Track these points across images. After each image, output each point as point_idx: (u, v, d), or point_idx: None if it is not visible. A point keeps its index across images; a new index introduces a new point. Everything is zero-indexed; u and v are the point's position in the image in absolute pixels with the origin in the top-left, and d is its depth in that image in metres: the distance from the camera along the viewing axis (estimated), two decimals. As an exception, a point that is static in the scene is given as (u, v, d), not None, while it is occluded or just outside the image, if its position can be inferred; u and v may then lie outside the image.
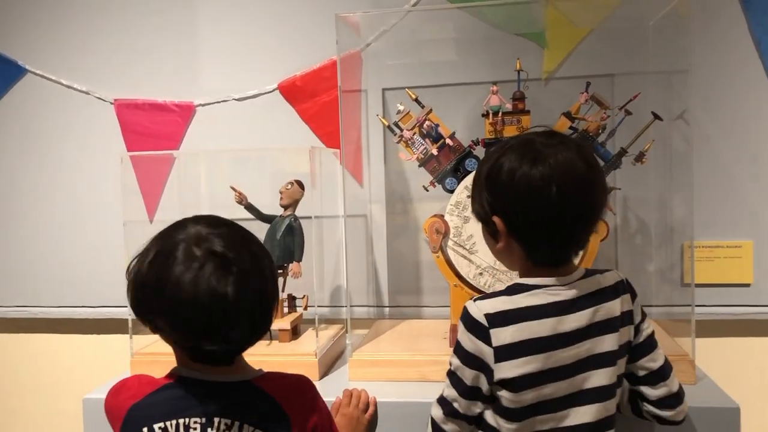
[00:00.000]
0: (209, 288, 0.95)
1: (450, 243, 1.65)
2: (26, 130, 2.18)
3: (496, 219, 1.09)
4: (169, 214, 2.10)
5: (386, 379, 1.55)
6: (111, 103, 2.12)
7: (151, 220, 2.11)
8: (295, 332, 1.77)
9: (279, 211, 1.79)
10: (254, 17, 2.04)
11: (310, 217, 1.71)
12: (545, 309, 1.07)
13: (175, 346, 1.06)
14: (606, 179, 1.14)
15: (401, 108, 1.67)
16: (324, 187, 1.95)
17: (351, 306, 1.79)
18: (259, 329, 1.05)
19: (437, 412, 1.15)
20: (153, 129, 2.10)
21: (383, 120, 1.74)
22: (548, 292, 1.09)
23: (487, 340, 1.06)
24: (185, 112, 2.09)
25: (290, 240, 1.73)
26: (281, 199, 1.78)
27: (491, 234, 1.14)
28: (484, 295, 1.12)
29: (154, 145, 2.09)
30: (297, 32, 2.03)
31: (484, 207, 1.11)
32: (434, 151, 1.64)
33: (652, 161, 1.62)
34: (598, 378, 1.09)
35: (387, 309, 2.03)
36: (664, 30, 1.77)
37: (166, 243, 1.02)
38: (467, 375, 1.09)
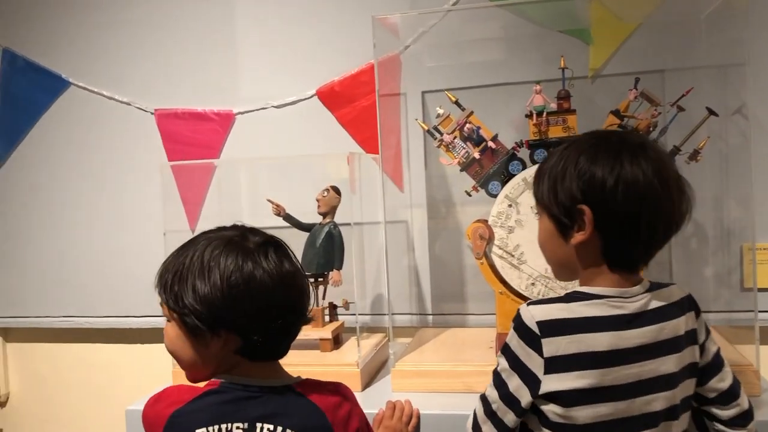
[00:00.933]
0: (282, 270, 1.02)
1: (495, 250, 1.59)
2: (70, 141, 2.21)
3: (584, 208, 1.00)
4: (210, 223, 2.08)
5: (430, 390, 1.50)
6: (152, 114, 2.13)
7: (192, 229, 2.10)
8: (336, 341, 1.74)
9: (319, 219, 1.76)
10: (291, 24, 2.03)
11: (349, 224, 1.67)
12: (605, 321, 0.99)
13: (231, 351, 1.03)
14: None
15: (441, 111, 1.62)
16: (363, 192, 1.91)
17: (393, 314, 1.75)
18: (304, 317, 1.08)
19: (479, 409, 1.09)
20: (193, 138, 2.10)
21: (422, 124, 1.70)
22: (610, 303, 1.01)
23: (538, 350, 0.99)
24: (225, 121, 2.08)
25: (330, 248, 1.70)
26: (318, 207, 1.75)
27: (562, 229, 1.05)
28: (540, 300, 1.05)
29: (195, 154, 2.09)
30: (334, 37, 2.00)
31: (570, 194, 1.01)
32: (476, 155, 1.59)
33: (707, 159, 1.54)
34: (662, 401, 1.01)
35: (430, 317, 1.99)
36: (718, 22, 1.68)
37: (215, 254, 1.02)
38: (511, 381, 1.03)
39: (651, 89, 1.53)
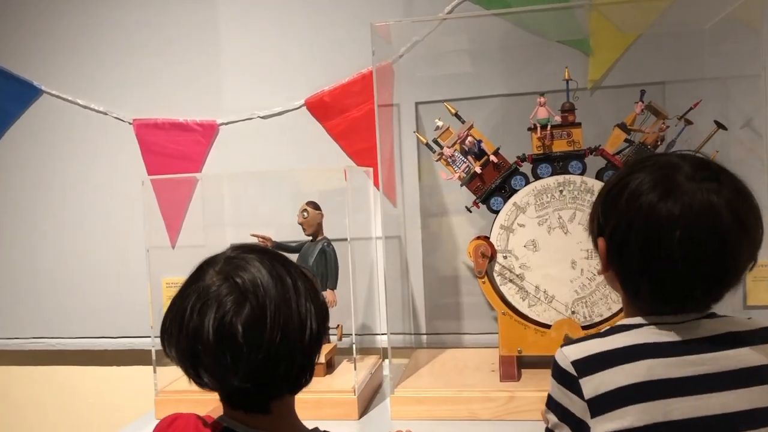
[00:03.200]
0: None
1: (497, 267, 1.53)
2: (43, 152, 2.09)
3: (600, 241, 0.92)
4: (191, 238, 1.99)
5: (433, 418, 1.43)
6: (130, 123, 2.03)
7: (173, 245, 2.00)
8: (329, 365, 1.65)
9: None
10: (279, 31, 1.94)
11: (345, 239, 1.58)
12: (644, 349, 0.86)
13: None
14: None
15: (440, 124, 1.56)
16: (354, 207, 1.84)
17: (391, 334, 1.67)
18: (287, 368, 0.87)
19: None
20: (174, 149, 2.00)
21: (421, 137, 1.63)
22: (652, 330, 0.89)
23: (578, 393, 0.87)
24: (208, 132, 1.99)
25: (323, 267, 1.62)
26: (304, 230, 1.67)
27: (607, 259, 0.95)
28: (575, 339, 0.94)
29: (176, 165, 1.99)
30: (324, 45, 1.92)
31: (595, 225, 0.95)
32: (477, 169, 1.52)
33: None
34: None
35: (425, 337, 1.91)
36: (723, 34, 1.64)
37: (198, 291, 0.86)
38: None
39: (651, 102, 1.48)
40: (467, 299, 1.87)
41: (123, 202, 2.03)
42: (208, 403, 1.47)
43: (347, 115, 1.92)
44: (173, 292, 1.94)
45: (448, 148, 1.53)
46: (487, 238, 1.53)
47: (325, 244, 1.63)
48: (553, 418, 0.92)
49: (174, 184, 1.95)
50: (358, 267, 1.88)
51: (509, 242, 1.52)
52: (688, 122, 1.48)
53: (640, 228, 0.86)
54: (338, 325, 1.67)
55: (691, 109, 1.47)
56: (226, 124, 1.98)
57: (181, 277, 1.88)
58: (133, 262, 2.02)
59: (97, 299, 2.07)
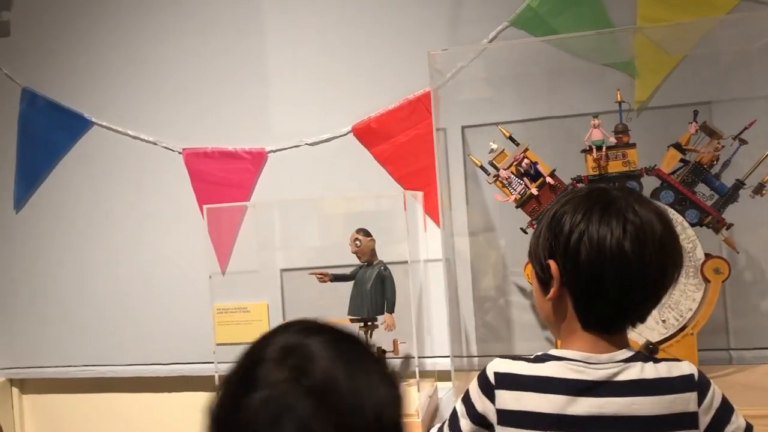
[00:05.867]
0: None
1: (555, 288, 1.53)
2: (93, 182, 2.14)
3: (551, 263, 0.96)
4: (240, 265, 2.02)
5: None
6: (179, 153, 2.07)
7: (223, 271, 2.03)
8: (387, 389, 1.65)
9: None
10: (325, 60, 1.98)
11: (405, 262, 1.59)
12: (560, 384, 0.94)
13: None
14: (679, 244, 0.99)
15: (495, 146, 1.58)
16: (397, 231, 1.86)
17: (454, 356, 1.68)
18: None
19: None
20: (223, 177, 2.04)
21: (475, 160, 1.65)
22: (570, 366, 0.95)
23: (492, 400, 0.99)
24: (257, 159, 2.02)
25: (380, 290, 1.64)
26: (360, 258, 1.69)
27: (542, 281, 1.01)
28: (510, 355, 1.02)
29: (225, 193, 2.02)
30: (369, 73, 1.96)
31: (543, 247, 0.99)
32: (534, 191, 1.54)
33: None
34: None
35: (476, 359, 1.91)
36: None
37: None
38: (467, 428, 1.03)
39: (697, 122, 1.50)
40: (518, 320, 1.88)
41: (172, 231, 2.07)
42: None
43: (394, 141, 1.95)
44: (224, 317, 1.96)
45: (505, 170, 1.54)
46: (544, 260, 1.54)
47: (382, 268, 1.65)
48: (462, 409, 1.04)
49: (224, 212, 1.98)
50: (403, 290, 1.90)
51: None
52: (743, 142, 1.49)
53: (589, 247, 0.93)
54: (394, 341, 1.68)
55: (746, 128, 1.49)
56: (275, 151, 2.02)
57: (232, 302, 1.91)
58: (181, 289, 2.05)
59: (147, 327, 2.09)
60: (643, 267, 0.92)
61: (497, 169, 1.56)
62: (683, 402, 0.93)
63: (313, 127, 1.99)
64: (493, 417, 0.99)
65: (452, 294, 1.86)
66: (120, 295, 2.11)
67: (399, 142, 1.94)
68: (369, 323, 1.66)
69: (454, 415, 1.06)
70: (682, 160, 1.53)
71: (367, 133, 1.96)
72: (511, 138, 1.59)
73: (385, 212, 1.91)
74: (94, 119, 2.13)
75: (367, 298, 1.63)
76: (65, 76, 2.14)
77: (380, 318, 1.66)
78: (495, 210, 1.87)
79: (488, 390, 0.99)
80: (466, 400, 1.04)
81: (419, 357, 1.90)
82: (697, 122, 1.51)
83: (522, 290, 1.88)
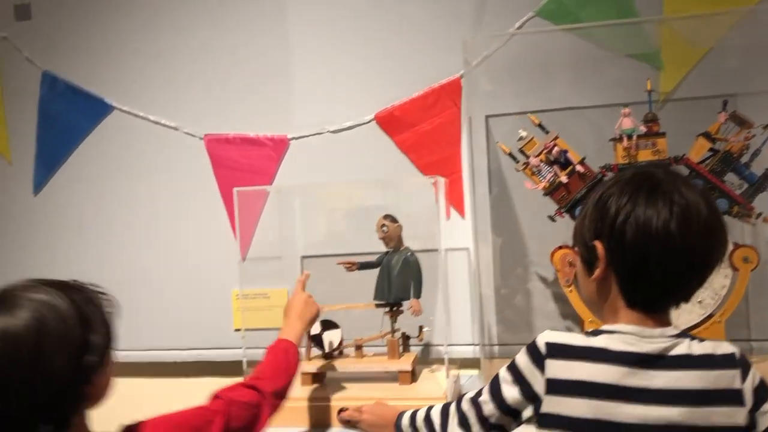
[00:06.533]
0: None
1: (583, 276, 1.54)
2: (112, 168, 2.13)
3: (596, 244, 0.99)
4: (260, 251, 2.02)
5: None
6: (201, 139, 2.06)
7: (243, 257, 2.02)
8: (413, 374, 1.66)
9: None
10: (348, 47, 1.98)
11: (436, 250, 1.59)
12: (613, 355, 0.97)
13: None
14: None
15: (524, 134, 1.59)
16: (419, 219, 1.86)
17: (485, 345, 1.68)
18: None
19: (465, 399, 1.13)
20: (245, 164, 2.03)
21: (504, 147, 1.65)
22: (623, 338, 0.98)
23: (541, 368, 1.00)
24: (279, 146, 2.02)
25: (407, 275, 1.64)
26: (387, 244, 1.68)
27: (587, 262, 1.04)
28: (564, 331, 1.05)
29: (247, 180, 2.02)
30: (393, 60, 1.96)
31: (588, 229, 1.02)
32: (564, 179, 1.54)
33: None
34: None
35: (496, 348, 1.92)
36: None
37: None
38: (508, 390, 1.04)
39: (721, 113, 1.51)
40: (540, 310, 1.88)
41: (193, 217, 2.07)
42: (296, 411, 1.49)
43: (417, 129, 1.95)
44: (244, 303, 1.96)
45: (535, 157, 1.55)
46: (571, 247, 1.55)
47: (409, 254, 1.65)
48: (506, 376, 1.05)
49: (247, 197, 1.97)
50: (429, 278, 1.90)
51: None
52: (773, 131, 1.50)
53: (636, 227, 0.94)
54: (420, 327, 1.69)
55: (776, 118, 1.50)
56: (297, 138, 2.01)
57: (252, 288, 1.91)
58: (201, 275, 2.05)
59: (166, 311, 2.09)
60: (689, 248, 0.94)
61: (527, 157, 1.57)
62: (728, 379, 0.95)
63: (335, 114, 1.99)
64: (540, 387, 0.99)
65: (477, 283, 1.86)
66: (139, 281, 2.11)
67: (422, 130, 1.94)
68: (394, 308, 1.66)
69: (495, 381, 1.07)
70: (711, 150, 1.53)
71: (390, 121, 1.96)
72: (540, 125, 1.59)
73: (408, 200, 1.91)
74: (114, 104, 2.12)
75: (393, 284, 1.63)
76: (86, 60, 2.14)
77: (405, 303, 1.66)
78: (518, 200, 1.88)
79: (538, 359, 1.00)
80: (513, 368, 1.05)
81: (440, 345, 1.91)
82: (726, 111, 1.52)
83: (543, 280, 1.88)
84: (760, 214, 1.55)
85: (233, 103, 2.05)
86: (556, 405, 0.98)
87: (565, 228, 1.59)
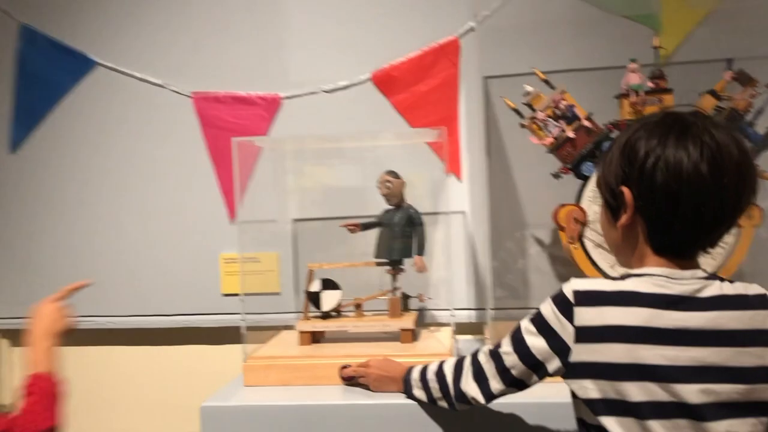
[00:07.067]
0: None
1: (588, 233, 1.53)
2: (95, 127, 2.05)
3: (624, 189, 0.97)
4: (252, 212, 1.96)
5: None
6: (189, 97, 1.99)
7: (232, 219, 1.97)
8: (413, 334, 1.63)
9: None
10: (344, 3, 1.93)
11: (462, 212, 1.55)
12: (644, 297, 0.94)
13: None
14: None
15: (530, 89, 1.56)
16: (419, 181, 1.83)
17: (492, 309, 1.66)
18: None
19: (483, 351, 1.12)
20: (235, 123, 1.97)
21: (510, 102, 1.62)
22: (654, 281, 0.96)
23: (570, 318, 0.97)
24: (271, 105, 1.96)
25: (410, 232, 1.60)
26: (389, 200, 1.64)
27: (612, 212, 1.03)
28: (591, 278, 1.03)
29: (238, 140, 1.95)
30: (390, 18, 1.92)
31: (615, 175, 1.00)
32: (570, 134, 1.52)
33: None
34: (701, 395, 0.92)
35: (493, 311, 1.90)
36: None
37: None
38: (533, 342, 1.02)
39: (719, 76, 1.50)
40: (537, 272, 1.87)
41: (180, 177, 2.00)
42: (297, 369, 1.45)
43: (414, 90, 1.91)
44: (231, 267, 1.91)
45: (542, 111, 1.53)
46: (577, 205, 1.53)
47: (412, 211, 1.62)
48: (530, 327, 1.03)
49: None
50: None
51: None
52: (778, 90, 1.50)
53: (665, 171, 0.93)
54: (421, 296, 1.66)
55: (780, 76, 1.50)
56: (290, 98, 1.96)
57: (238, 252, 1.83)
58: (184, 238, 1.99)
59: (148, 277, 2.02)
60: (720, 189, 0.93)
61: (533, 111, 1.54)
62: (762, 319, 0.95)
63: (330, 73, 1.94)
64: (569, 337, 0.97)
65: (476, 246, 1.84)
66: (122, 244, 2.03)
67: (420, 91, 1.91)
68: (396, 266, 1.62)
69: (517, 333, 1.06)
70: (718, 107, 1.53)
71: (387, 81, 1.92)
72: (546, 81, 1.57)
73: (405, 159, 1.87)
74: (98, 59, 2.03)
75: (396, 240, 1.59)
76: (67, 14, 2.04)
77: (407, 262, 1.63)
78: (516, 163, 1.86)
79: (566, 309, 0.97)
80: (538, 319, 1.03)
81: (437, 310, 1.88)
82: (732, 70, 1.51)
83: (540, 242, 1.87)
84: (762, 172, 1.56)
85: (223, 61, 1.98)
86: (587, 353, 0.96)
87: (563, 191, 1.57)
